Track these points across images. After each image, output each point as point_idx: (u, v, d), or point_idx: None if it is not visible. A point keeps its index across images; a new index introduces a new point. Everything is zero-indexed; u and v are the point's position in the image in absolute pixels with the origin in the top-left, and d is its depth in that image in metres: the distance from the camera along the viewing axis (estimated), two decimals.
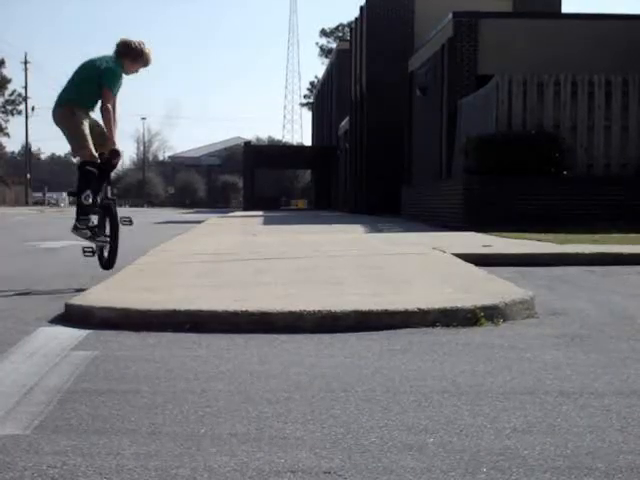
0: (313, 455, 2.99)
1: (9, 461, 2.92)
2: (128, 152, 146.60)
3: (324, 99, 61.58)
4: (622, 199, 17.63)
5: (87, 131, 7.68)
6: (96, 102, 7.77)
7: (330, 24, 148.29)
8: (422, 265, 9.10)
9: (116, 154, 7.84)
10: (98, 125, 7.82)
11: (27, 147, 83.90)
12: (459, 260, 9.54)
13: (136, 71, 7.91)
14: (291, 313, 5.54)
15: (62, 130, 7.80)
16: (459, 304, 5.77)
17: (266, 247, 11.97)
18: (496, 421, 3.42)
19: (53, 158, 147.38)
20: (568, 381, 4.13)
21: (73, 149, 7.81)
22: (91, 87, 7.69)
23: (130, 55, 7.76)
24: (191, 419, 3.45)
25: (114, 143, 7.76)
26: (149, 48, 7.84)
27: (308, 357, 4.70)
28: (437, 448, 3.07)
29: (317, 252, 10.85)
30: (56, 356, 4.69)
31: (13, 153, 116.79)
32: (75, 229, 7.87)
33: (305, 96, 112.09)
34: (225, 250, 11.39)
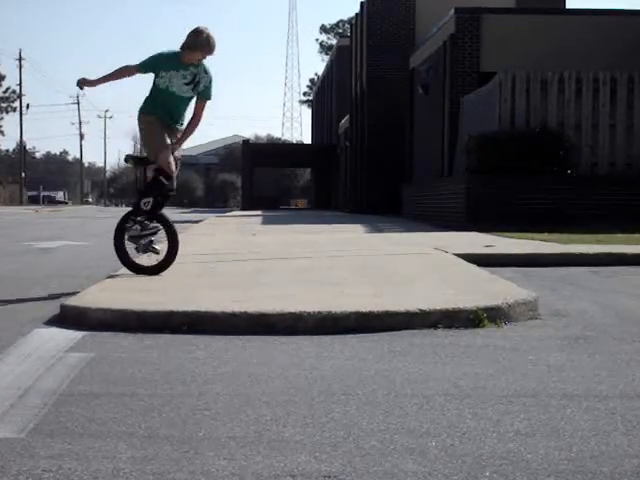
0: (313, 459, 2.97)
1: (3, 465, 2.90)
2: (125, 150, 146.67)
3: (324, 96, 61.58)
4: (626, 199, 17.59)
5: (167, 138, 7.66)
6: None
7: (330, 20, 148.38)
8: (423, 265, 9.06)
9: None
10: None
11: (22, 145, 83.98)
12: (461, 260, 9.50)
13: (202, 58, 7.61)
14: (291, 314, 5.50)
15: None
16: (461, 305, 5.73)
17: (265, 247, 11.93)
18: (499, 424, 3.39)
19: (48, 157, 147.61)
20: (572, 383, 4.11)
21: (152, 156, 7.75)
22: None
23: (187, 44, 7.59)
24: (189, 422, 3.43)
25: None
26: (207, 35, 7.54)
27: (308, 359, 4.67)
28: (439, 452, 3.05)
29: (317, 252, 10.81)
30: (51, 358, 4.66)
31: (7, 151, 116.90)
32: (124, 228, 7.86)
33: (305, 93, 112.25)
34: (223, 250, 11.35)
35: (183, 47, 7.62)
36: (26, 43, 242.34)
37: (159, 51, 7.73)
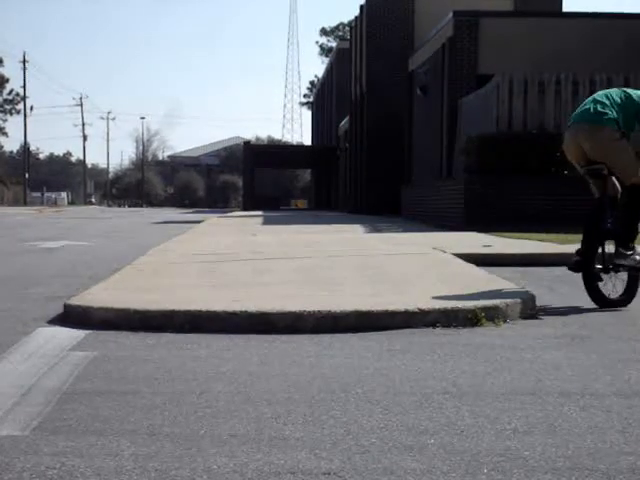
0: (313, 456, 2.98)
1: (7, 462, 2.91)
2: (127, 152, 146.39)
3: (324, 98, 61.56)
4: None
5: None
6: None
7: (330, 23, 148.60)
8: (422, 265, 9.09)
9: None
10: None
11: (25, 147, 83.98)
12: (460, 260, 9.53)
13: None
14: (291, 313, 5.53)
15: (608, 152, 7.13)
16: (460, 304, 5.76)
17: (266, 247, 11.96)
18: (497, 422, 3.41)
19: (52, 158, 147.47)
20: (569, 382, 4.13)
21: (626, 175, 7.18)
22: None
23: None
24: (190, 420, 3.45)
25: None
26: None
27: (308, 357, 4.69)
28: (438, 449, 3.06)
29: (317, 252, 10.84)
30: (55, 356, 4.69)
31: (12, 153, 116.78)
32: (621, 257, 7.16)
33: (305, 95, 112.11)
34: (225, 250, 11.38)
35: None
36: (29, 45, 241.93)
37: None
